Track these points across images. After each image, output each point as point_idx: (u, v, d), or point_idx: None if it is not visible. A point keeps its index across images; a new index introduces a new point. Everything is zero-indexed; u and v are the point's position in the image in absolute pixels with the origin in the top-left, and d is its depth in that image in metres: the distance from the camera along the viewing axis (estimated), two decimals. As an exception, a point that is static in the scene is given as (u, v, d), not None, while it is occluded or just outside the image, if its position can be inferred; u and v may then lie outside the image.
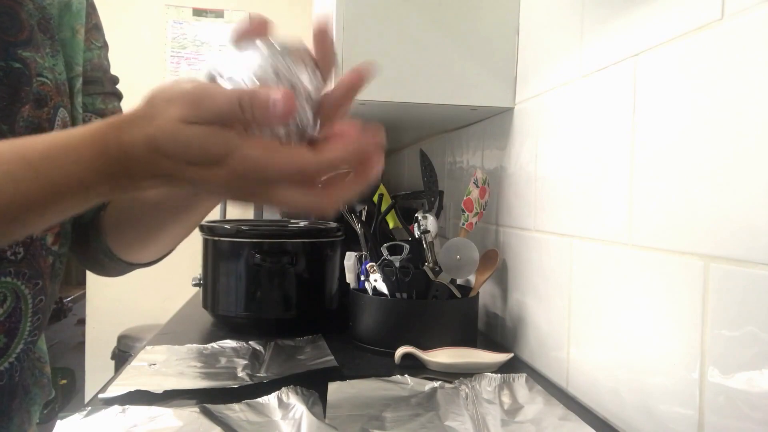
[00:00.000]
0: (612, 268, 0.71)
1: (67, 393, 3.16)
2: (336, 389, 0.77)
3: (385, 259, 1.02)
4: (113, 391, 0.74)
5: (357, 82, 0.45)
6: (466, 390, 0.77)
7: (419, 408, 0.72)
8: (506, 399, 0.75)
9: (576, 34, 0.81)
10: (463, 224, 1.05)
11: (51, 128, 0.56)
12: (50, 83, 0.57)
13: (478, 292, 1.05)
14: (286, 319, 1.12)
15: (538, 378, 0.86)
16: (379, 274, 1.02)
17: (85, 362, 2.71)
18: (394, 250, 1.03)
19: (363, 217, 1.11)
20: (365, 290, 1.04)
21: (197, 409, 0.68)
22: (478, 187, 1.05)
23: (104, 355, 2.47)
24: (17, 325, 0.57)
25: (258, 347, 0.98)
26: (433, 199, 1.05)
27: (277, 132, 0.40)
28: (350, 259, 1.11)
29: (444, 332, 0.96)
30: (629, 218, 0.68)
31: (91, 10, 0.68)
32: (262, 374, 0.84)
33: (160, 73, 2.75)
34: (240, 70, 0.41)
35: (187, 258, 2.71)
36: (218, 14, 2.80)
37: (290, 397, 0.72)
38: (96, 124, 0.41)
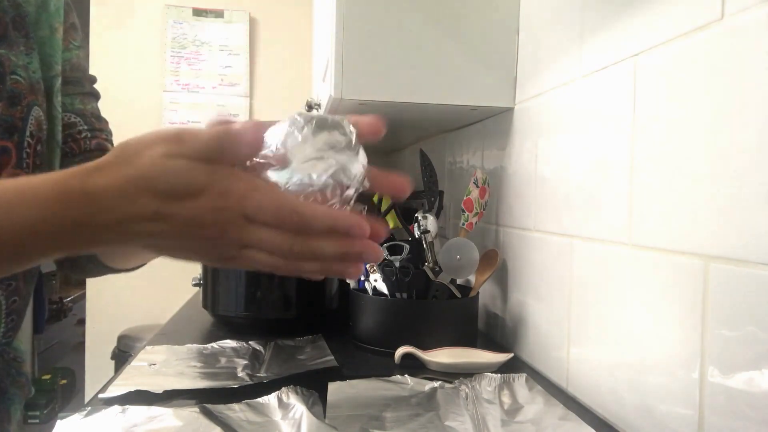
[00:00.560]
0: (612, 268, 0.71)
1: (67, 393, 3.16)
2: (336, 389, 0.77)
3: (385, 259, 1.02)
4: (113, 391, 0.74)
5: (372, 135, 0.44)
6: (466, 390, 0.77)
7: (419, 408, 0.72)
8: (506, 399, 0.75)
9: (576, 34, 0.81)
10: (463, 224, 1.05)
11: (24, 127, 0.56)
12: (24, 81, 0.56)
13: (478, 292, 1.05)
14: (286, 319, 1.12)
15: (538, 378, 0.86)
16: (379, 274, 1.02)
17: (85, 362, 2.71)
18: (394, 250, 1.03)
19: (363, 217, 1.11)
20: (365, 290, 1.04)
21: (197, 409, 0.68)
22: (478, 187, 1.05)
23: (104, 355, 2.47)
24: None
25: (258, 347, 0.98)
26: (433, 199, 1.05)
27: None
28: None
29: (444, 332, 0.96)
30: (629, 218, 0.68)
31: (69, 9, 0.67)
32: (262, 374, 0.84)
33: (160, 73, 2.75)
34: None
35: (187, 258, 2.71)
36: (218, 14, 2.80)
37: (290, 397, 0.72)
38: (61, 172, 0.40)
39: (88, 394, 2.68)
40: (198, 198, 0.38)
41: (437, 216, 1.04)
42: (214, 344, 0.98)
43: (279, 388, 0.74)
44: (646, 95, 0.65)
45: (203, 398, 0.73)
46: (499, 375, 0.80)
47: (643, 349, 0.65)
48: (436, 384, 0.78)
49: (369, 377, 0.81)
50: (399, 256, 1.01)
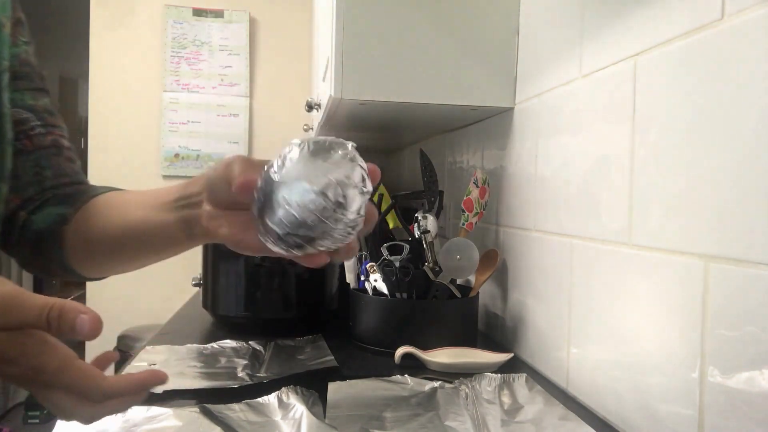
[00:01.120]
0: (612, 268, 0.71)
1: (67, 393, 3.15)
2: (336, 389, 0.77)
3: (385, 259, 1.02)
4: (113, 391, 0.74)
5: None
6: (466, 390, 0.77)
7: (419, 408, 0.72)
8: (506, 399, 0.75)
9: (576, 34, 0.81)
10: (463, 224, 1.05)
11: None
12: None
13: (478, 292, 1.05)
14: (286, 319, 1.12)
15: (538, 378, 0.86)
16: (379, 274, 1.02)
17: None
18: (394, 250, 1.03)
19: (363, 217, 1.11)
20: (365, 290, 1.04)
21: (197, 409, 0.68)
22: (478, 187, 1.05)
23: (104, 355, 2.47)
24: None
25: (258, 347, 0.98)
26: (433, 199, 1.05)
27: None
28: (350, 259, 1.11)
29: (444, 332, 0.96)
30: (629, 218, 0.68)
31: (15, 5, 0.66)
32: (262, 374, 0.84)
33: (160, 73, 2.75)
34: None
35: (187, 258, 2.71)
36: (218, 14, 2.80)
37: (290, 397, 0.72)
38: None
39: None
40: (10, 365, 0.40)
41: (437, 216, 1.04)
42: (214, 344, 0.98)
43: (279, 388, 0.74)
44: (646, 95, 0.65)
45: (203, 398, 0.73)
46: (499, 375, 0.80)
47: (643, 349, 0.65)
48: (436, 384, 0.78)
49: (369, 377, 0.81)
50: (399, 256, 1.01)
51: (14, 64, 0.64)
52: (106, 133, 2.71)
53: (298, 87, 2.80)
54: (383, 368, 0.88)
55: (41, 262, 0.67)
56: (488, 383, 0.79)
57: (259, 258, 1.08)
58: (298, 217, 0.42)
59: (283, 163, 0.43)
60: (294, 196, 0.42)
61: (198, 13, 2.79)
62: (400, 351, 0.91)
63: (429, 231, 1.02)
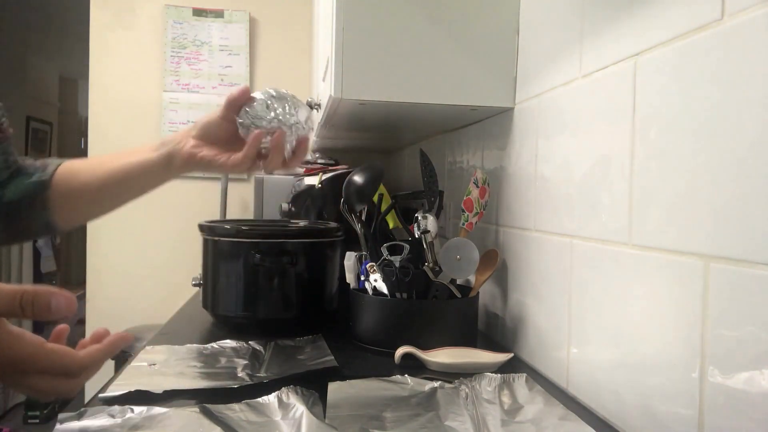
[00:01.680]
0: (612, 268, 0.71)
1: (67, 393, 3.16)
2: (336, 389, 0.77)
3: (385, 259, 1.02)
4: (113, 391, 0.75)
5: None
6: (466, 390, 0.77)
7: (419, 408, 0.72)
8: (506, 399, 0.75)
9: (576, 34, 0.81)
10: (463, 224, 1.05)
11: None
12: None
13: (478, 292, 1.05)
14: (286, 319, 1.12)
15: (538, 378, 0.86)
16: (379, 274, 1.02)
17: (85, 362, 2.71)
18: (394, 250, 1.03)
19: (363, 217, 1.11)
20: (365, 290, 1.04)
21: (197, 409, 0.68)
22: (478, 187, 1.05)
23: (104, 355, 2.47)
24: None
25: (258, 347, 0.98)
26: (433, 199, 1.05)
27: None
28: (350, 259, 1.11)
29: (444, 332, 0.96)
30: (629, 218, 0.68)
31: None
32: (262, 374, 0.84)
33: (160, 73, 2.75)
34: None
35: (187, 258, 2.72)
36: (218, 14, 2.80)
37: (290, 397, 0.72)
38: None
39: (88, 394, 2.67)
40: None
41: (437, 216, 1.04)
42: (214, 344, 0.98)
43: (279, 388, 0.74)
44: (646, 95, 0.65)
45: (203, 398, 0.73)
46: (499, 375, 0.80)
47: (643, 349, 0.65)
48: (436, 384, 0.78)
49: (369, 377, 0.81)
50: (399, 256, 1.01)
51: None
52: (106, 133, 2.70)
53: (298, 87, 2.80)
54: (383, 368, 0.88)
55: (15, 229, 0.75)
56: (488, 383, 0.79)
57: (259, 258, 1.08)
58: (266, 107, 0.73)
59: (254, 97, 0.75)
60: (261, 95, 0.74)
61: (198, 13, 2.79)
62: (400, 351, 0.91)
63: (429, 231, 1.02)
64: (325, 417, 0.68)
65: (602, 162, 0.74)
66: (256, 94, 0.74)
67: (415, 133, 1.58)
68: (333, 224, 1.22)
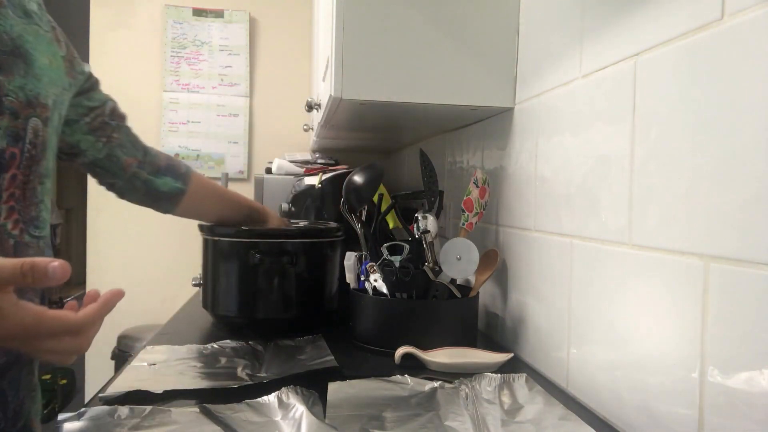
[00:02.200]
0: (612, 268, 0.71)
1: (67, 393, 3.16)
2: (336, 389, 0.77)
3: (385, 259, 1.02)
4: (113, 391, 0.75)
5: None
6: (466, 390, 0.77)
7: (419, 408, 0.72)
8: (506, 399, 0.75)
9: (576, 34, 0.81)
10: (463, 224, 1.05)
11: (24, 135, 0.67)
12: (17, 100, 0.66)
13: (478, 292, 1.05)
14: (286, 319, 1.12)
15: (538, 378, 0.86)
16: (379, 274, 1.02)
17: (85, 362, 2.71)
18: (394, 250, 1.03)
19: (363, 217, 1.11)
20: (365, 290, 1.04)
21: (197, 409, 0.68)
22: (478, 187, 1.05)
23: (104, 355, 2.48)
24: None
25: (258, 347, 0.98)
26: (433, 199, 1.05)
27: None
28: (350, 259, 1.11)
29: (444, 332, 0.96)
30: (629, 218, 0.68)
31: (67, 43, 0.79)
32: (262, 374, 0.84)
33: (160, 73, 2.75)
34: None
35: (187, 258, 2.72)
36: (218, 14, 2.80)
37: (290, 397, 0.72)
38: None
39: (88, 394, 2.68)
40: None
41: (437, 216, 1.04)
42: (214, 344, 0.98)
43: (279, 388, 0.74)
44: (646, 95, 0.65)
45: (203, 398, 0.73)
46: (499, 375, 0.80)
47: (643, 349, 0.65)
48: (436, 384, 0.78)
49: (369, 377, 0.81)
50: (399, 256, 1.01)
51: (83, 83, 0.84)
52: (106, 133, 2.70)
53: (298, 87, 2.80)
54: (383, 368, 0.88)
55: (147, 203, 1.02)
56: (488, 383, 0.79)
57: (259, 258, 1.08)
58: None
59: None
60: None
61: (198, 13, 2.79)
62: (400, 351, 0.91)
63: (429, 231, 1.02)
64: (325, 417, 0.68)
65: (602, 162, 0.74)
66: None
67: (415, 133, 1.58)
68: (333, 224, 1.22)
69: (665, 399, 0.61)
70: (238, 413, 0.69)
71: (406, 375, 0.81)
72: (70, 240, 4.88)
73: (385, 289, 1.02)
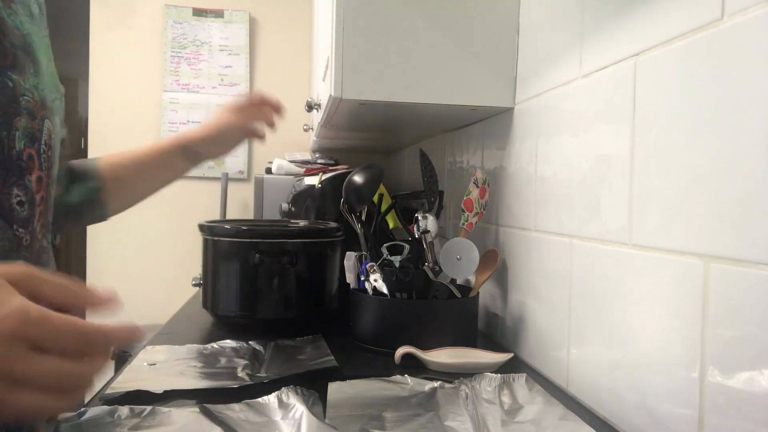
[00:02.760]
0: (612, 268, 0.71)
1: (67, 393, 3.16)
2: (336, 389, 0.77)
3: (385, 259, 1.02)
4: (113, 391, 0.74)
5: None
6: (466, 390, 0.77)
7: (419, 408, 0.72)
8: (506, 399, 0.75)
9: (576, 33, 0.81)
10: (463, 224, 1.05)
11: (40, 136, 0.65)
12: (33, 100, 0.64)
13: (478, 292, 1.05)
14: (286, 319, 1.12)
15: (538, 378, 0.86)
16: (379, 274, 1.02)
17: (85, 362, 2.71)
18: (394, 250, 1.03)
19: (363, 217, 1.11)
20: (365, 290, 1.04)
21: (197, 409, 0.68)
22: (478, 187, 1.05)
23: (104, 355, 2.47)
24: None
25: (258, 347, 0.98)
26: (433, 199, 1.05)
27: None
28: (350, 259, 1.11)
29: (444, 332, 0.96)
30: (629, 218, 0.68)
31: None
32: (262, 374, 0.84)
33: (160, 73, 2.75)
34: None
35: (187, 258, 2.72)
36: (218, 14, 2.80)
37: (290, 397, 0.72)
38: None
39: (88, 394, 2.68)
40: None
41: (437, 216, 1.04)
42: (214, 344, 0.98)
43: (279, 388, 0.74)
44: (646, 95, 0.65)
45: (203, 398, 0.73)
46: (499, 375, 0.80)
47: (643, 349, 0.65)
48: (436, 384, 0.78)
49: (369, 377, 0.81)
50: (399, 256, 1.01)
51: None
52: (106, 133, 2.70)
53: (298, 87, 2.80)
54: (383, 368, 0.88)
55: (73, 223, 0.92)
56: (488, 383, 0.79)
57: (259, 258, 1.08)
58: None
59: None
60: None
61: (198, 13, 2.79)
62: (400, 351, 0.91)
63: (429, 231, 1.02)
64: (325, 417, 0.68)
65: (602, 162, 0.74)
66: None
67: (415, 133, 1.58)
68: (333, 224, 1.22)
69: (665, 399, 0.61)
70: (238, 413, 0.69)
71: (406, 375, 0.81)
72: (70, 240, 4.89)
73: (385, 289, 1.02)
